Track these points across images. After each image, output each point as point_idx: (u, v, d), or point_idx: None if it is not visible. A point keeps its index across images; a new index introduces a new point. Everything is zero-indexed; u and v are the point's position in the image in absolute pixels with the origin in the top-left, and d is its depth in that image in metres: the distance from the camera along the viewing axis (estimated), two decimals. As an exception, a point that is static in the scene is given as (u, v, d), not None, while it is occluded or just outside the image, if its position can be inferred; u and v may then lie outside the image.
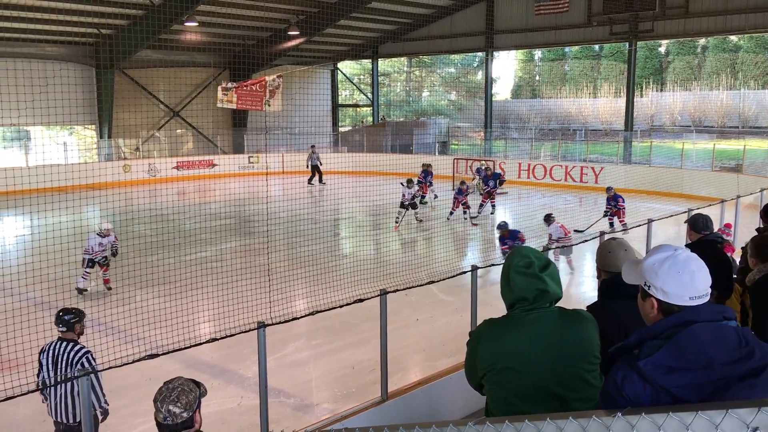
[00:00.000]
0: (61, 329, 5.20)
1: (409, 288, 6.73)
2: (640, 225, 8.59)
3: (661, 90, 38.73)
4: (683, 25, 24.95)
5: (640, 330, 2.01)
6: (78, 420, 5.03)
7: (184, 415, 2.60)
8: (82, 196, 19.22)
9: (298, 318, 5.67)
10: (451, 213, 17.86)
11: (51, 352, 5.17)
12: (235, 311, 8.38)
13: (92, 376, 4.77)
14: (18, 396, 4.00)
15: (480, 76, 39.88)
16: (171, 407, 2.59)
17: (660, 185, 21.33)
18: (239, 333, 4.95)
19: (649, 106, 37.10)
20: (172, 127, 30.05)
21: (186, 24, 24.93)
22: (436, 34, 31.31)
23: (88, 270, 11.18)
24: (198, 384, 2.74)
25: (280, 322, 5.47)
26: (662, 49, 41.04)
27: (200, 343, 5.06)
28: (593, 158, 26.89)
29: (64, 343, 5.15)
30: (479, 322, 6.16)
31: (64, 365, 5.07)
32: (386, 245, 15.51)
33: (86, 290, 11.11)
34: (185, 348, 4.84)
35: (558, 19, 27.17)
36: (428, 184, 20.26)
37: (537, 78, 45.43)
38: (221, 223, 17.29)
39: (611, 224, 15.20)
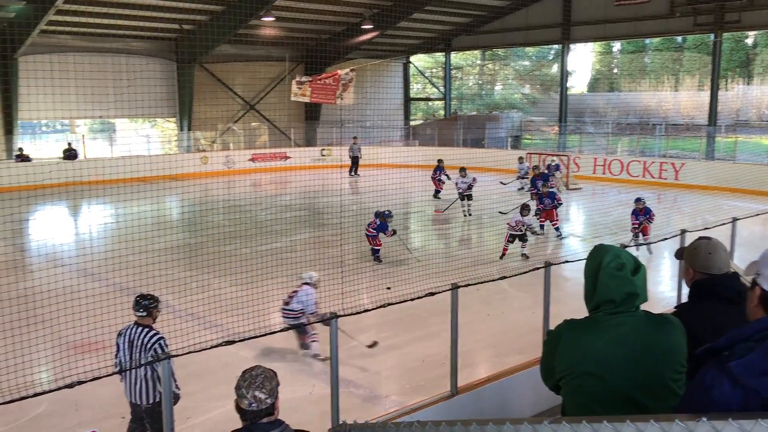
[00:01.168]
0: (140, 314, 5.37)
1: (481, 283, 6.68)
2: (724, 223, 8.24)
3: (748, 83, 36.87)
4: (773, 14, 23.70)
5: (731, 332, 1.93)
6: (151, 402, 5.22)
7: (269, 401, 2.66)
8: (162, 186, 20.01)
9: (369, 310, 5.72)
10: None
11: (127, 335, 5.37)
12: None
13: (168, 362, 4.81)
14: (104, 377, 4.20)
15: (555, 68, 39.00)
16: (257, 393, 2.64)
17: (745, 183, 20.36)
18: (313, 323, 5.03)
19: (734, 100, 35.37)
20: (248, 120, 30.79)
21: (263, 19, 25.45)
22: (510, 27, 30.84)
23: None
24: (275, 375, 2.79)
25: (351, 314, 5.53)
26: (749, 41, 39.04)
27: (275, 332, 5.18)
28: (673, 154, 25.93)
29: (140, 328, 5.34)
30: (552, 319, 6.08)
31: (139, 349, 5.25)
32: (457, 239, 15.43)
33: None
34: (260, 336, 4.97)
35: (639, 10, 26.28)
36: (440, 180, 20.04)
37: (615, 71, 44.05)
38: (294, 214, 17.60)
39: (636, 236, 12.99)
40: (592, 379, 2.47)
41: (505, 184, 20.41)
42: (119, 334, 5.43)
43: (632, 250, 10.95)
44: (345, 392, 6.49)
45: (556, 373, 2.58)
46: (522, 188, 20.67)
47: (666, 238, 8.15)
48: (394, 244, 13.17)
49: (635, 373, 2.43)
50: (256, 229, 14.44)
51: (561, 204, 15.26)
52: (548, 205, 14.92)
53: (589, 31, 29.08)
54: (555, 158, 22.69)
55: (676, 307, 3.30)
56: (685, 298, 3.23)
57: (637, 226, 13.13)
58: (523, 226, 12.82)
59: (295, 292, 8.31)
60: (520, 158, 21.09)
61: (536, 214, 15.04)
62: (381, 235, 12.82)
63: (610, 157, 24.88)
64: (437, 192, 19.88)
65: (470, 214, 17.27)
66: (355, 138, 26.90)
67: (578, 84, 43.67)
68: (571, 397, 2.58)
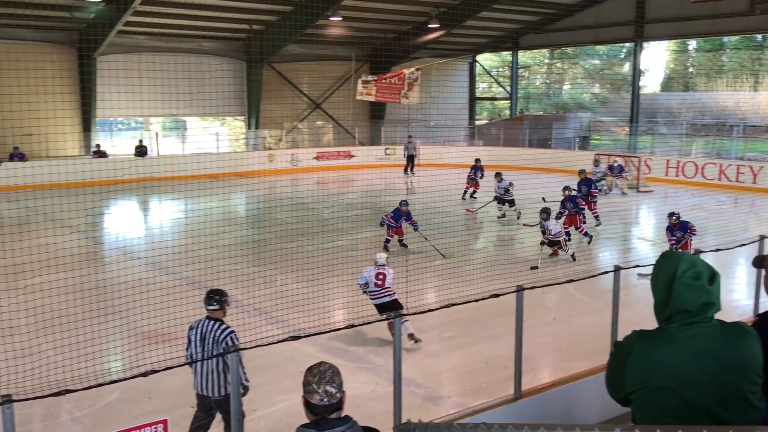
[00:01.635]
0: (212, 307, 5.44)
1: (547, 285, 6.57)
2: (807, 231, 7.82)
3: (834, 82, 34.95)
4: None
5: None
6: (222, 394, 5.31)
7: (338, 395, 2.68)
8: (230, 183, 20.51)
9: (433, 309, 5.71)
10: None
11: (199, 329, 5.44)
12: (370, 300, 8.57)
13: (235, 353, 4.88)
14: (175, 366, 4.33)
15: (627, 67, 37.96)
16: (327, 387, 2.65)
17: (830, 187, 19.33)
18: (376, 321, 5.05)
19: (818, 101, 33.64)
20: (314, 118, 31.19)
21: (330, 19, 25.72)
22: (580, 24, 30.19)
23: None
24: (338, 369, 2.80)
25: (414, 313, 5.53)
26: (837, 38, 37.00)
27: (339, 329, 5.22)
28: (751, 156, 24.80)
29: (212, 322, 5.41)
30: (620, 325, 5.91)
31: (211, 343, 5.34)
32: (521, 241, 15.21)
33: None
34: (325, 332, 5.03)
35: (716, 7, 25.28)
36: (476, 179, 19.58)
37: (690, 69, 42.54)
38: (358, 213, 17.73)
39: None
40: (668, 393, 2.38)
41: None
42: (191, 328, 5.52)
43: None
44: (406, 391, 6.48)
45: (626, 386, 2.48)
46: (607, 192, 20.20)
47: (743, 244, 7.81)
48: (454, 243, 13.09)
49: (712, 385, 2.34)
50: (321, 226, 14.62)
51: (583, 209, 14.53)
52: (570, 210, 14.26)
53: (664, 29, 28.17)
54: (619, 159, 22.07)
55: (757, 316, 3.16)
56: (763, 307, 3.09)
57: (674, 242, 11.81)
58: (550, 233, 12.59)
59: (382, 274, 8.41)
60: (596, 160, 20.46)
61: (557, 217, 14.39)
62: (405, 225, 13.18)
63: (683, 159, 24.02)
64: (474, 192, 19.47)
65: (518, 217, 16.66)
66: (410, 137, 26.95)
67: (651, 83, 42.35)
68: (643, 410, 2.48)
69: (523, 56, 39.11)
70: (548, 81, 43.16)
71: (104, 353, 7.42)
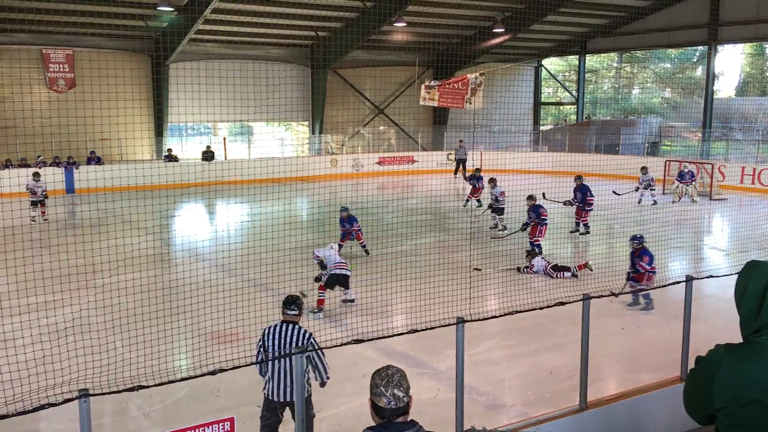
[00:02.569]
0: (293, 312, 5.44)
1: (614, 294, 6.41)
2: None
3: None
4: None
5: None
6: (305, 395, 4.94)
7: (405, 399, 2.69)
8: (294, 187, 20.84)
9: (496, 317, 5.65)
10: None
11: (277, 333, 5.37)
12: (433, 305, 8.56)
13: (320, 352, 5.24)
14: (242, 366, 4.43)
15: (700, 71, 36.72)
16: (395, 391, 2.66)
17: None
18: (439, 326, 5.04)
19: None
20: (377, 123, 31.38)
21: (395, 24, 25.85)
22: (651, 27, 29.36)
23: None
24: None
25: (478, 320, 5.49)
26: None
27: (402, 333, 5.23)
28: (833, 163, 23.57)
29: (291, 326, 5.38)
30: (692, 337, 5.71)
31: (290, 345, 5.28)
32: (587, 249, 14.89)
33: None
34: (388, 336, 5.05)
35: (797, 7, 24.20)
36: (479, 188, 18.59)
37: (767, 74, 40.80)
38: (419, 218, 17.72)
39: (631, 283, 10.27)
40: (761, 409, 2.27)
41: (619, 195, 19.47)
42: (266, 332, 5.43)
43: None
44: (468, 398, 6.44)
45: (714, 403, 2.36)
46: (641, 200, 19.60)
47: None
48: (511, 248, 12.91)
49: None
50: (382, 231, 14.66)
51: (546, 220, 13.86)
52: (532, 220, 13.86)
53: (739, 32, 27.10)
54: (690, 165, 21.35)
55: None
56: None
57: (630, 272, 10.30)
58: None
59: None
60: (644, 168, 19.91)
61: (522, 229, 14.35)
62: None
63: (760, 166, 23.02)
64: (479, 201, 18.62)
65: (504, 228, 15.88)
66: (461, 141, 26.97)
67: (725, 88, 40.82)
68: (732, 429, 2.37)
69: (591, 60, 38.35)
70: (616, 85, 42.17)
71: (174, 351, 7.65)
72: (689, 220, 17.81)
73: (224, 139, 27.61)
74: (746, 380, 2.28)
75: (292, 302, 5.46)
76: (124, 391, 4.01)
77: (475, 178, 18.64)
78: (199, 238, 14.19)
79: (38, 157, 21.45)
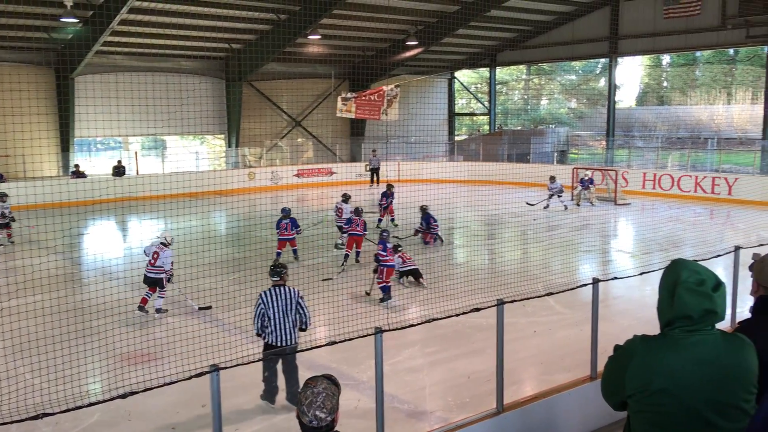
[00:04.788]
0: (276, 278, 6.96)
1: (527, 299, 6.61)
2: (780, 240, 7.99)
3: (805, 95, 35.68)
4: (832, 24, 22.96)
5: None
6: (294, 342, 6.82)
7: (329, 419, 2.71)
8: (211, 202, 20.43)
9: (414, 325, 5.72)
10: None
11: (274, 294, 6.84)
12: (352, 317, 8.58)
13: (304, 303, 6.94)
14: (155, 387, 4.29)
15: (602, 83, 38.54)
16: (317, 413, 2.69)
17: (803, 198, 19.70)
18: (357, 338, 5.05)
19: (790, 113, 34.30)
20: (294, 136, 31.23)
21: (309, 37, 25.85)
22: (556, 41, 30.64)
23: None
24: (337, 385, 2.84)
25: (396, 329, 5.54)
26: (806, 52, 37.89)
27: (320, 346, 5.21)
28: (726, 168, 25.23)
29: (280, 287, 6.91)
30: (600, 337, 5.97)
31: (289, 301, 6.84)
32: (501, 255, 15.31)
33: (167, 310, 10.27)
34: (306, 350, 5.02)
35: (689, 22, 25.82)
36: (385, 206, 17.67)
37: (664, 84, 43.29)
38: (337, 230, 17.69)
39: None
40: (668, 398, 2.42)
41: (532, 205, 20.20)
42: (264, 296, 6.86)
43: None
44: (390, 407, 6.48)
45: (626, 389, 2.51)
46: (547, 207, 20.38)
47: (719, 255, 7.92)
48: (437, 257, 13.13)
49: (711, 393, 2.39)
50: (302, 244, 14.58)
51: (433, 229, 15.09)
52: (423, 227, 15.17)
53: (638, 45, 28.67)
54: (588, 172, 22.35)
55: (739, 323, 3.22)
56: (741, 316, 3.15)
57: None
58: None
59: (156, 253, 10.10)
60: (552, 177, 20.58)
61: (414, 234, 15.62)
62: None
63: (660, 171, 24.38)
64: (392, 218, 17.80)
65: (338, 245, 15.04)
66: (374, 151, 27.40)
67: (626, 98, 43.02)
68: (641, 414, 2.52)
69: (501, 72, 39.57)
70: (526, 96, 43.67)
71: (83, 375, 7.33)
72: (596, 224, 18.61)
73: (136, 153, 26.75)
74: (657, 370, 2.44)
75: (273, 272, 7.04)
76: (28, 419, 3.82)
77: (386, 195, 17.56)
78: (110, 256, 13.67)
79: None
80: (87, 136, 26.50)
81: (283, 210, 13.78)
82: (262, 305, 6.85)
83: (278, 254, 13.38)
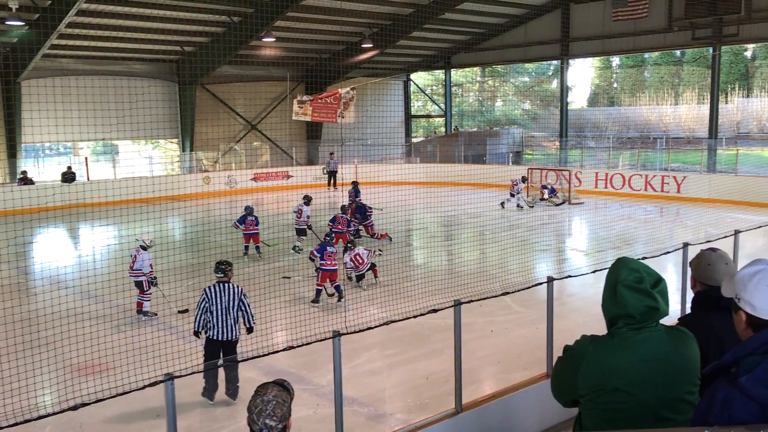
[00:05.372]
0: (220, 274, 7.35)
1: (483, 299, 6.67)
2: (727, 236, 8.23)
3: (748, 96, 36.99)
4: (771, 27, 23.82)
5: (734, 348, 1.97)
6: (236, 337, 7.17)
7: (279, 426, 2.69)
8: (165, 207, 20.06)
9: (372, 328, 5.71)
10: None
11: (218, 290, 7.17)
12: (311, 320, 8.54)
13: (247, 302, 7.30)
14: (107, 398, 4.19)
15: (555, 84, 39.23)
16: (267, 421, 2.67)
17: (747, 195, 20.37)
18: (315, 342, 5.03)
19: (734, 113, 35.50)
20: (250, 139, 30.93)
21: (263, 40, 25.66)
22: (509, 43, 31.05)
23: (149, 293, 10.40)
24: (289, 390, 2.82)
25: (354, 332, 5.53)
26: (748, 54, 39.27)
27: (277, 351, 5.17)
28: (675, 167, 25.96)
29: (224, 284, 7.25)
30: (556, 334, 6.06)
31: (231, 297, 7.15)
32: (459, 256, 15.43)
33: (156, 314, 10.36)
34: (263, 356, 4.97)
35: (637, 24, 26.47)
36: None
37: (615, 85, 44.31)
38: (294, 233, 17.59)
39: None
40: (621, 396, 2.47)
41: (504, 207, 20.51)
42: (209, 291, 7.16)
43: None
44: (349, 411, 6.47)
45: (578, 389, 2.55)
46: (503, 204, 20.92)
47: (668, 252, 8.13)
48: (392, 260, 13.16)
49: (660, 388, 2.45)
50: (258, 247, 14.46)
51: (344, 231, 14.40)
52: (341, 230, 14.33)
53: (588, 47, 29.27)
54: (551, 180, 22.80)
55: (679, 319, 3.31)
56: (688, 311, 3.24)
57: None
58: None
59: (135, 256, 10.09)
60: (523, 178, 21.38)
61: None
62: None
63: (611, 171, 24.93)
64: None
65: (297, 249, 14.87)
66: (331, 153, 27.42)
67: (578, 99, 43.91)
68: (593, 413, 2.57)
69: (456, 74, 39.92)
70: (481, 98, 44.14)
71: (32, 388, 7.12)
72: (551, 224, 18.92)
73: (86, 158, 26.12)
74: (609, 370, 2.48)
75: (217, 269, 7.44)
76: (-27, 435, 3.68)
77: (362, 211, 16.59)
78: (60, 264, 13.30)
79: None
80: (35, 141, 25.77)
81: (246, 208, 14.23)
82: (206, 300, 7.10)
83: (246, 248, 14.27)
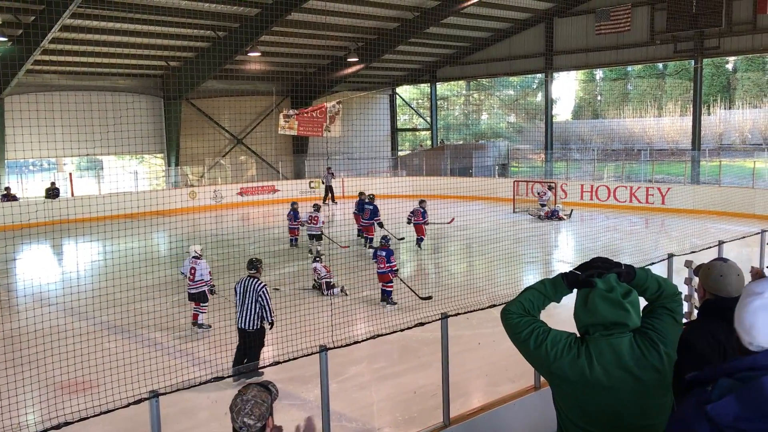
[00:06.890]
0: (251, 270, 8.55)
1: (471, 312, 6.66)
2: (710, 247, 8.29)
3: (730, 107, 37.48)
4: (751, 41, 24.17)
5: (716, 365, 1.96)
6: (255, 327, 8.24)
7: (258, 425, 2.80)
8: (151, 223, 19.95)
9: (359, 342, 5.69)
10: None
11: (243, 283, 8.37)
12: (298, 335, 8.48)
13: (267, 298, 8.28)
14: (91, 417, 4.13)
15: (539, 97, 39.54)
16: (246, 419, 2.78)
17: (730, 206, 20.57)
18: (302, 356, 4.99)
19: (717, 125, 35.93)
20: (236, 154, 30.87)
21: (249, 54, 25.69)
22: (494, 57, 31.28)
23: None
24: (270, 391, 2.92)
25: (341, 346, 5.50)
26: (730, 66, 39.83)
27: (264, 366, 5.12)
28: (659, 179, 26.18)
29: (251, 279, 8.40)
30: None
31: (251, 291, 8.24)
32: (446, 268, 15.43)
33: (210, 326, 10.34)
34: (251, 371, 4.91)
35: (620, 38, 26.78)
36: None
37: (599, 98, 44.74)
38: (283, 247, 17.56)
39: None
40: (591, 401, 2.52)
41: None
42: (237, 284, 8.44)
43: None
44: (337, 426, 6.42)
45: (546, 368, 2.69)
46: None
47: (654, 263, 8.17)
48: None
49: (631, 394, 2.47)
50: (246, 263, 14.38)
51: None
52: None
53: (572, 60, 29.55)
54: (548, 194, 22.92)
55: (686, 323, 3.32)
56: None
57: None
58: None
59: (194, 268, 10.31)
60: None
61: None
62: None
63: (596, 183, 25.10)
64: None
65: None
66: (328, 168, 27.54)
67: (563, 112, 44.28)
68: (564, 414, 2.64)
69: (441, 88, 40.13)
70: (466, 111, 44.39)
71: (16, 406, 7.01)
72: (538, 235, 18.99)
73: (70, 174, 25.93)
74: (576, 373, 2.52)
75: (250, 265, 8.66)
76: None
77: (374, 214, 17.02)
78: (44, 281, 13.16)
79: None
80: (18, 158, 25.56)
81: (292, 204, 16.89)
82: (235, 292, 8.38)
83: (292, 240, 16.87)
